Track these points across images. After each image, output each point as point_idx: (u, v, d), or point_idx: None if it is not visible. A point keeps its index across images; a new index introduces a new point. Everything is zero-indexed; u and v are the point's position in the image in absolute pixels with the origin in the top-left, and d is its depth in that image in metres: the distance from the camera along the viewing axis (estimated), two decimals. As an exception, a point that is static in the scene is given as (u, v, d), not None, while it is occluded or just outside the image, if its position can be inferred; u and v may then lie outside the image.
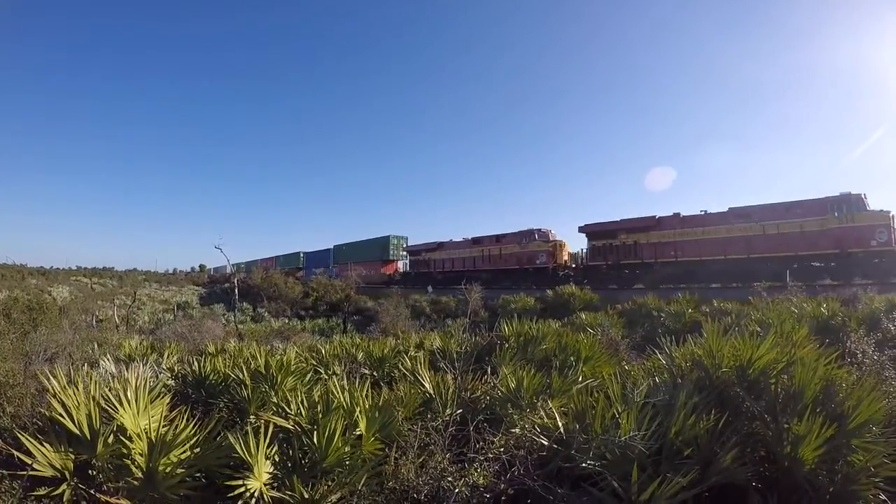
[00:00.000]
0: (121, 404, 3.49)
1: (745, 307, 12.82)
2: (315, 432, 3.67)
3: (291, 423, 3.91)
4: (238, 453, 3.32)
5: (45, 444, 3.20)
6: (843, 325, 9.10)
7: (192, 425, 3.51)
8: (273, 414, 4.27)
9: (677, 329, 11.07)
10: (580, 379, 5.32)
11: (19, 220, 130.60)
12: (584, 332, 9.07)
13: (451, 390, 5.15)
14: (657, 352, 5.37)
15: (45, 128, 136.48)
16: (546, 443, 3.81)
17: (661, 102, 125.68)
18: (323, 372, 6.80)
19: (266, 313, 35.17)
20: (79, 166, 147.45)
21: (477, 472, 3.59)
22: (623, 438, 3.33)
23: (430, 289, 44.23)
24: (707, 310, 14.37)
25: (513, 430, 4.20)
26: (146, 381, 3.99)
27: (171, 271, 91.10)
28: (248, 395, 5.16)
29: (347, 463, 3.61)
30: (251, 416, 5.00)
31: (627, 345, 9.06)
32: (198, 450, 3.45)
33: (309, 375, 5.99)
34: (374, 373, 7.15)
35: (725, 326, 5.04)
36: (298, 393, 4.64)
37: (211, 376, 5.81)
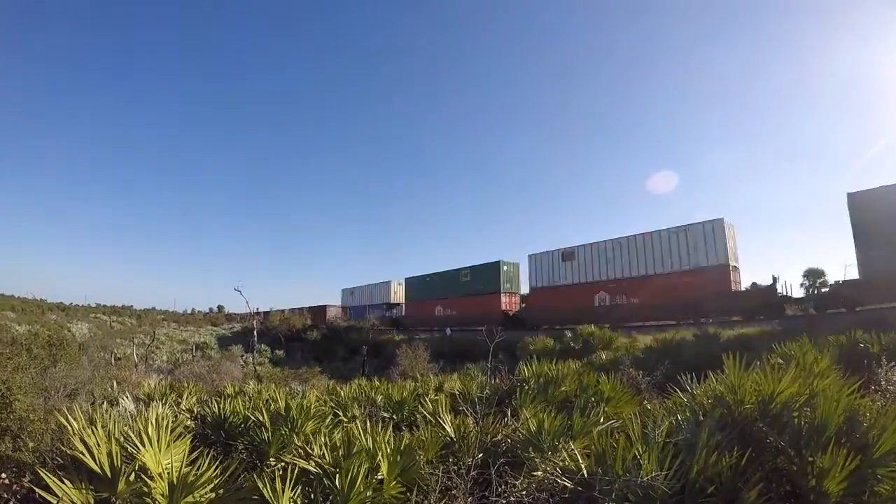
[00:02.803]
0: (142, 444, 3.47)
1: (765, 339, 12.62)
2: (338, 475, 3.65)
3: (314, 466, 3.87)
4: (260, 495, 3.28)
5: (65, 480, 3.17)
6: (867, 352, 8.91)
7: (213, 467, 3.47)
8: (294, 457, 4.23)
9: (699, 365, 10.96)
10: (601, 420, 5.27)
11: (40, 254, 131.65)
12: (604, 372, 8.96)
13: (472, 434, 5.14)
14: (678, 390, 5.36)
15: (68, 164, 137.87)
16: (569, 485, 3.77)
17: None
18: (342, 415, 6.75)
19: (284, 355, 35.18)
20: (100, 203, 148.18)
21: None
22: (645, 479, 3.30)
23: (448, 330, 44.07)
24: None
25: (535, 473, 4.17)
26: (168, 422, 3.96)
27: (189, 311, 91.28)
28: (268, 437, 5.15)
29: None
30: (271, 459, 4.98)
31: (649, 383, 8.95)
32: (220, 491, 3.44)
33: (329, 419, 5.97)
34: (394, 416, 7.10)
35: (747, 360, 4.96)
36: (321, 436, 4.60)
37: (231, 418, 5.83)
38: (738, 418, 4.10)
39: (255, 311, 25.71)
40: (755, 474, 3.38)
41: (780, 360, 6.42)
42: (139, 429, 3.67)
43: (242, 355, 34.77)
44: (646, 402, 6.94)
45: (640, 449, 3.63)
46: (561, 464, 4.08)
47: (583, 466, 3.84)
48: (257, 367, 25.08)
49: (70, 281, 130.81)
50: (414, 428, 5.80)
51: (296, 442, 4.91)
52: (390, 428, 4.74)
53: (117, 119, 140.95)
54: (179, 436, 3.96)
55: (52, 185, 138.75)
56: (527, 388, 7.14)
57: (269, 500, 3.29)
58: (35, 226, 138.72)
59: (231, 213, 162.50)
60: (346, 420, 6.40)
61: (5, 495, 5.46)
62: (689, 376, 5.51)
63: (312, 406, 5.93)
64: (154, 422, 3.78)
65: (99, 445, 3.37)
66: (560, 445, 4.49)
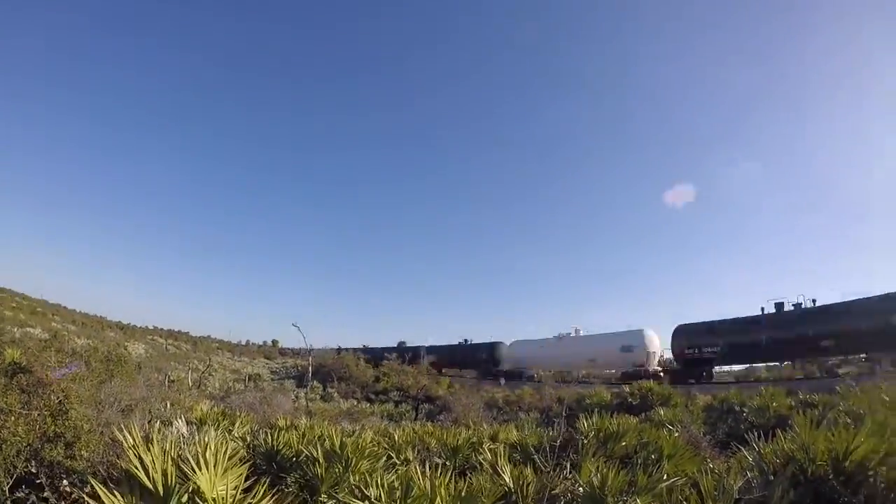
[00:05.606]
0: (199, 466, 3.37)
1: (832, 397, 12.08)
2: None
3: (371, 506, 3.73)
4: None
5: (116, 493, 3.08)
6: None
7: (269, 497, 3.37)
8: (348, 495, 4.10)
9: (762, 424, 10.49)
10: (665, 476, 5.04)
11: (102, 272, 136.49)
12: (663, 429, 8.65)
13: (531, 485, 5.05)
14: (742, 448, 5.33)
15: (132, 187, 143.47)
16: None
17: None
18: (395, 457, 6.59)
19: (336, 394, 35.18)
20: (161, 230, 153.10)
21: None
22: None
23: (502, 381, 43.75)
24: (792, 403, 13.60)
25: None
26: (227, 447, 3.87)
27: (243, 343, 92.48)
28: (321, 473, 5.10)
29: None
30: (323, 496, 4.88)
31: (710, 441, 8.73)
32: None
33: (383, 459, 5.88)
34: (447, 462, 6.91)
35: (813, 419, 4.74)
36: (378, 476, 4.46)
37: (283, 450, 5.82)
38: (811, 477, 3.98)
39: (310, 347, 25.84)
40: None
41: (849, 419, 6.12)
42: (197, 451, 3.59)
43: (294, 390, 34.95)
44: (707, 459, 6.68)
45: None
46: None
47: None
48: (309, 403, 25.09)
49: (130, 300, 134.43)
50: (467, 475, 5.62)
51: (351, 480, 4.81)
52: (450, 473, 4.57)
53: (205, 152, 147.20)
54: (236, 463, 3.85)
55: (129, 210, 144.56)
56: (586, 441, 6.90)
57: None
58: (102, 247, 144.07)
59: (293, 248, 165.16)
60: (399, 463, 6.27)
61: (63, 502, 5.49)
62: (755, 434, 5.36)
63: (367, 446, 5.81)
64: (212, 446, 3.70)
65: (154, 463, 3.29)
66: (625, 501, 4.40)
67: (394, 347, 72.28)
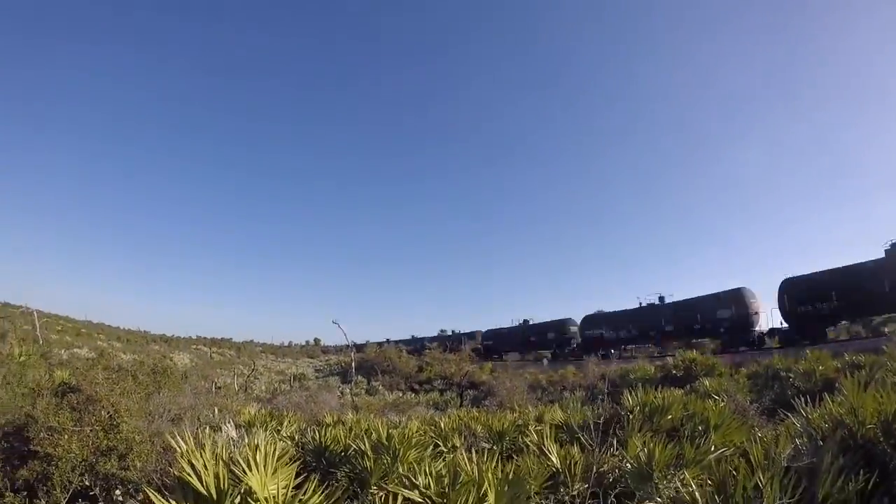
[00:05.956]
0: (249, 468, 3.43)
1: (879, 357, 11.81)
2: None
3: (419, 496, 3.75)
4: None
5: (171, 500, 3.15)
6: None
7: (319, 493, 3.41)
8: (398, 485, 4.13)
9: (808, 389, 10.33)
10: (712, 448, 5.03)
11: (144, 289, 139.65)
12: (708, 399, 8.57)
13: (578, 464, 5.05)
14: (789, 415, 5.26)
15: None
16: None
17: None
18: (442, 445, 6.63)
19: (380, 387, 35.40)
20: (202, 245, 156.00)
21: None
22: None
23: (545, 361, 43.37)
24: (838, 365, 13.37)
25: None
26: (275, 447, 3.93)
27: (286, 344, 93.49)
28: (370, 466, 5.16)
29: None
30: (373, 488, 4.93)
31: (756, 410, 8.66)
32: None
33: (430, 448, 5.95)
34: (494, 446, 6.94)
35: (861, 380, 4.64)
36: (426, 464, 4.49)
37: (331, 446, 5.90)
38: (861, 441, 3.93)
39: (352, 343, 26.06)
40: (882, 500, 3.25)
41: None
42: (247, 453, 3.65)
43: (339, 386, 35.22)
44: (754, 428, 6.67)
45: (761, 476, 3.45)
46: (675, 495, 4.03)
47: (698, 496, 3.69)
48: (354, 398, 25.31)
49: (172, 313, 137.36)
50: (514, 458, 5.63)
51: (399, 471, 4.85)
52: (497, 457, 4.59)
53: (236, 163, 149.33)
54: (285, 462, 3.91)
55: (164, 223, 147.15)
56: (631, 417, 6.87)
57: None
58: (136, 261, 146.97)
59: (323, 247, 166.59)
60: (446, 450, 6.31)
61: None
62: (802, 400, 5.24)
63: (414, 435, 5.87)
64: (262, 447, 3.75)
65: (206, 468, 3.35)
66: (672, 475, 4.40)
67: (434, 337, 72.05)
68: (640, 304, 47.85)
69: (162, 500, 3.12)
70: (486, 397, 24.57)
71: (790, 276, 36.97)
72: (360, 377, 38.39)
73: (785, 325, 37.28)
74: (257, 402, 15.93)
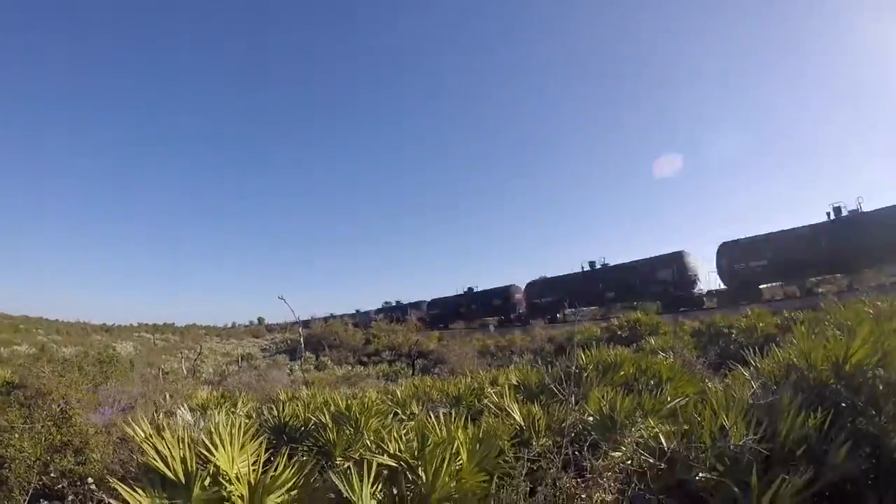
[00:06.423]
0: (214, 446, 3.36)
1: (818, 314, 12.30)
2: (420, 467, 3.67)
3: (393, 461, 3.76)
4: (341, 493, 3.19)
5: (137, 489, 3.07)
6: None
7: (290, 468, 3.39)
8: (367, 452, 4.15)
9: (751, 343, 10.74)
10: (668, 399, 5.21)
11: (80, 278, 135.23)
12: (656, 356, 8.83)
13: (541, 420, 5.23)
14: (737, 366, 5.52)
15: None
16: (652, 461, 3.83)
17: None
18: (401, 413, 6.66)
19: (329, 361, 35.28)
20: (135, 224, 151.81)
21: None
22: (738, 444, 3.36)
23: (491, 328, 43.84)
24: (778, 321, 14.09)
25: (614, 454, 4.22)
26: (241, 422, 3.87)
27: (230, 325, 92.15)
28: (332, 437, 5.17)
29: (455, 496, 3.60)
30: (338, 458, 4.93)
31: (703, 364, 8.97)
32: (295, 492, 3.43)
33: (390, 417, 6.05)
34: (452, 410, 7.00)
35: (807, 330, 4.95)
36: (394, 429, 4.52)
37: (290, 421, 5.88)
38: (814, 383, 4.14)
39: (299, 319, 25.84)
40: (839, 434, 3.41)
41: (838, 332, 6.27)
42: (210, 430, 3.58)
43: (288, 363, 35.05)
44: (705, 380, 6.98)
45: (725, 417, 3.64)
46: (642, 441, 4.18)
47: (663, 441, 3.90)
48: (304, 374, 25.17)
49: (112, 302, 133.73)
50: (477, 419, 5.70)
51: (365, 440, 4.88)
52: (464, 417, 4.65)
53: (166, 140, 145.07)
54: (253, 436, 3.84)
55: (85, 208, 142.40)
56: (586, 374, 7.02)
57: (350, 498, 3.18)
58: (78, 251, 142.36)
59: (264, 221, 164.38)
60: (405, 417, 6.34)
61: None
62: (750, 351, 5.56)
63: (373, 404, 5.93)
64: (226, 423, 3.69)
65: (171, 451, 3.26)
66: (637, 424, 4.52)
67: (379, 309, 71.68)
68: (583, 268, 48.49)
69: (126, 488, 3.03)
70: (435, 365, 24.73)
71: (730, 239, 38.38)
72: (308, 353, 38.22)
73: (723, 286, 38.58)
74: (207, 385, 15.70)
